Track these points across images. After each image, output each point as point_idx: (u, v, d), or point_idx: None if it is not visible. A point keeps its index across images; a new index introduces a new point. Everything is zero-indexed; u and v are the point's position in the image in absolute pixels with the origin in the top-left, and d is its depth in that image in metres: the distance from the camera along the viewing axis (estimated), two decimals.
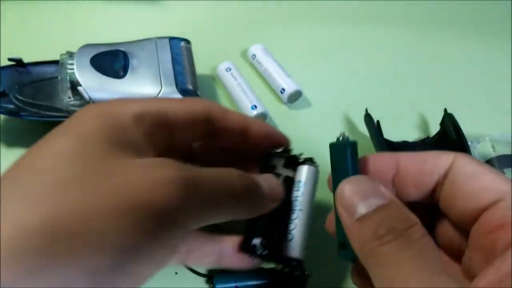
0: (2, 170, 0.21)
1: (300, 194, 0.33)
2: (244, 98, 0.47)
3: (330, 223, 0.27)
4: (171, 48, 0.46)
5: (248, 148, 0.29)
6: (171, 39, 0.47)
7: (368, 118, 0.46)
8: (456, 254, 0.22)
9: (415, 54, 0.58)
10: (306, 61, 0.55)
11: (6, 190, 0.17)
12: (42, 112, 0.42)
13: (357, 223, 0.20)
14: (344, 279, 0.38)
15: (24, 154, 0.20)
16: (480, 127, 0.49)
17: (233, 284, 0.35)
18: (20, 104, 0.42)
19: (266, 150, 0.31)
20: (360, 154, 0.41)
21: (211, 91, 0.51)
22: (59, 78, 0.43)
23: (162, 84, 0.43)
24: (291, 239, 0.32)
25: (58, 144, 0.19)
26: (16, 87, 0.43)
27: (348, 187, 0.21)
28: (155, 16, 0.58)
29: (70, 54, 0.44)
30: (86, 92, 0.41)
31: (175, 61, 0.45)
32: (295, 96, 0.50)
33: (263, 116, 0.47)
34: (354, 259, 0.21)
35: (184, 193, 0.19)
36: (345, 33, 0.59)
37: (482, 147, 0.45)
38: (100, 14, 0.58)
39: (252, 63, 0.54)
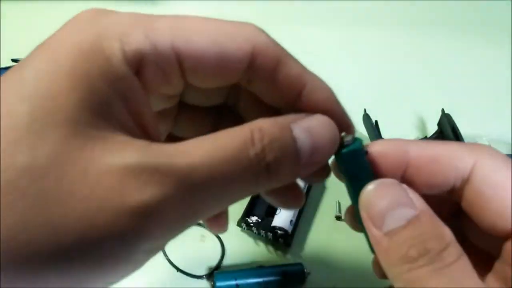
0: None
1: None
2: None
3: (350, 218, 0.23)
4: None
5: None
6: None
7: (366, 118, 0.46)
8: (485, 253, 0.20)
9: (414, 54, 0.58)
10: (305, 62, 0.56)
11: None
12: None
13: (386, 238, 0.17)
14: (344, 279, 0.38)
15: None
16: (477, 127, 0.49)
17: (234, 282, 0.35)
18: None
19: None
20: None
21: None
22: None
23: None
24: (279, 213, 0.39)
25: (19, 86, 0.14)
26: None
27: (374, 194, 0.18)
28: None
29: None
30: None
31: None
32: None
33: None
34: None
35: (163, 197, 0.14)
36: (344, 34, 0.60)
37: None
38: None
39: None
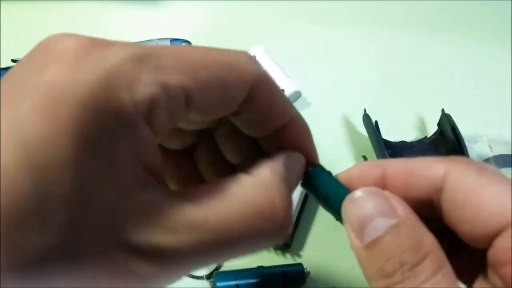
0: None
1: None
2: None
3: None
4: None
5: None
6: (172, 40, 0.48)
7: (366, 118, 0.46)
8: (470, 258, 0.19)
9: (414, 54, 0.58)
10: (305, 62, 0.56)
11: None
12: None
13: (364, 250, 0.17)
14: (344, 279, 0.38)
15: None
16: (477, 126, 0.49)
17: (234, 282, 0.35)
18: None
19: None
20: (360, 153, 0.42)
21: None
22: None
23: None
24: None
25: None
26: None
27: (354, 204, 0.18)
28: (156, 17, 0.59)
29: None
30: None
31: None
32: (295, 97, 0.51)
33: None
34: None
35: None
36: (345, 34, 0.60)
37: (479, 147, 0.46)
38: (102, 16, 0.59)
39: None
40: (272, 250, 0.39)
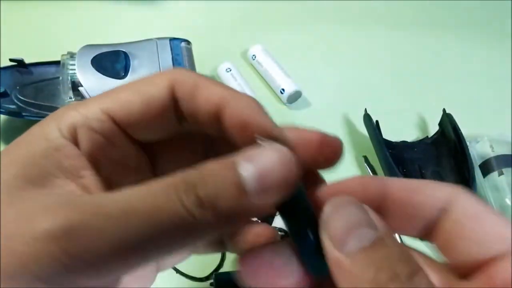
0: None
1: None
2: None
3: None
4: (171, 49, 0.47)
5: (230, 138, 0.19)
6: (172, 39, 0.48)
7: (367, 118, 0.46)
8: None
9: (414, 54, 0.58)
10: (305, 62, 0.56)
11: None
12: (44, 112, 0.42)
13: (348, 259, 0.16)
14: None
15: None
16: (478, 127, 0.49)
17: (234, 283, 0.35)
18: (21, 104, 0.42)
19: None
20: (360, 153, 0.42)
21: None
22: (60, 78, 0.43)
23: None
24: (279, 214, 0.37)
25: None
26: (18, 87, 0.43)
27: (333, 214, 0.17)
28: (155, 17, 0.59)
29: (71, 55, 0.44)
30: (87, 93, 0.41)
31: (175, 61, 0.46)
32: (295, 97, 0.51)
33: None
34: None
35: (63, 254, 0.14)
36: (345, 34, 0.60)
37: (481, 147, 0.46)
38: (101, 15, 0.58)
39: (252, 63, 0.54)
40: None
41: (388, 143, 0.45)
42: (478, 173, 0.45)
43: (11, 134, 0.44)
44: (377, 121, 0.46)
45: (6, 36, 0.54)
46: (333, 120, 0.50)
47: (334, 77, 0.54)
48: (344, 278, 0.16)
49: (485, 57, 0.58)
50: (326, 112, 0.51)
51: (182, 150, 0.22)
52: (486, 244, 0.17)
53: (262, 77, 0.53)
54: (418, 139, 0.48)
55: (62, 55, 0.44)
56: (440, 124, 0.47)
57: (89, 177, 0.18)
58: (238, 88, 0.49)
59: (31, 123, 0.18)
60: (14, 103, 0.42)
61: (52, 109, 0.42)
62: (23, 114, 0.41)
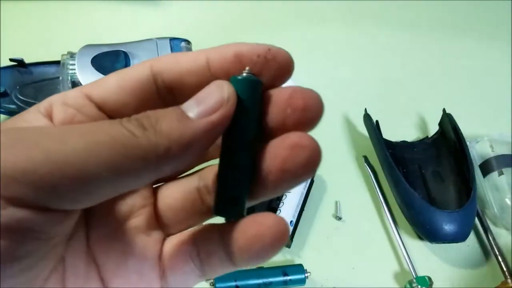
0: None
1: None
2: None
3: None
4: (171, 49, 0.47)
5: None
6: (172, 39, 0.48)
7: (367, 118, 0.46)
8: None
9: (414, 54, 0.58)
10: (305, 62, 0.56)
11: None
12: None
13: None
14: (344, 279, 0.38)
15: None
16: (478, 127, 0.49)
17: (233, 283, 0.35)
18: (21, 104, 0.42)
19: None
20: (361, 153, 0.42)
21: None
22: (60, 78, 0.43)
23: None
24: (279, 213, 0.39)
25: None
26: (18, 87, 0.43)
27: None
28: (155, 16, 0.59)
29: (71, 55, 0.44)
30: None
31: None
32: None
33: None
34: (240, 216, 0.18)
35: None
36: (345, 33, 0.60)
37: (481, 147, 0.46)
38: (101, 15, 0.58)
39: None
40: None
41: (388, 143, 0.45)
42: (478, 173, 0.45)
43: None
44: (377, 121, 0.46)
45: (6, 36, 0.54)
46: (333, 120, 0.50)
47: (334, 77, 0.54)
48: None
49: (485, 57, 0.58)
50: (326, 112, 0.51)
51: None
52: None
53: None
54: (418, 139, 0.48)
55: (62, 55, 0.44)
56: (440, 124, 0.47)
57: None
58: None
59: None
60: (14, 103, 0.42)
61: None
62: None
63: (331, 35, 0.59)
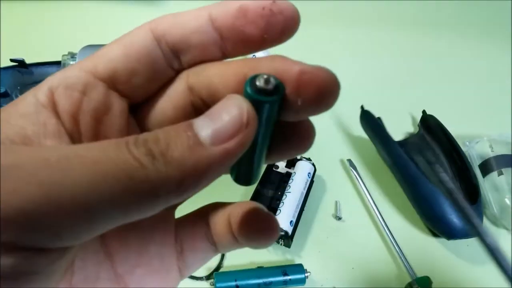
0: None
1: (292, 181, 0.41)
2: None
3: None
4: None
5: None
6: None
7: (366, 115, 0.45)
8: None
9: (414, 54, 0.58)
10: (305, 62, 0.56)
11: None
12: None
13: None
14: (344, 279, 0.38)
15: None
16: (478, 127, 0.49)
17: (233, 283, 0.35)
18: None
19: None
20: (360, 154, 0.41)
21: None
22: None
23: None
24: (279, 214, 0.39)
25: None
26: (18, 87, 0.43)
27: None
28: (155, 16, 0.59)
29: (72, 55, 0.44)
30: None
31: None
32: None
33: None
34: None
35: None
36: (344, 34, 0.60)
37: (480, 147, 0.46)
38: (102, 15, 0.59)
39: None
40: (272, 250, 0.39)
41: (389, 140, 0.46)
42: (477, 173, 0.45)
43: None
44: (379, 118, 0.45)
45: (6, 36, 0.54)
46: (333, 120, 0.50)
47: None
48: None
49: (485, 57, 0.58)
50: (325, 113, 0.51)
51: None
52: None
53: None
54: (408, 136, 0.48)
55: (63, 55, 0.45)
56: (422, 124, 0.48)
57: (66, 134, 0.16)
58: None
59: None
60: None
61: None
62: None
63: (330, 36, 0.59)
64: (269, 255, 0.39)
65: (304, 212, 0.41)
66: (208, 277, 0.37)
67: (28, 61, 0.45)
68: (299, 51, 0.56)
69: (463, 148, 0.47)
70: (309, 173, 0.42)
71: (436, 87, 0.55)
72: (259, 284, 0.36)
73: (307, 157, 0.43)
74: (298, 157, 0.43)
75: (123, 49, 0.17)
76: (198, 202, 0.21)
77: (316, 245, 0.40)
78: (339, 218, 0.41)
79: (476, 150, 0.46)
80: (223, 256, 0.38)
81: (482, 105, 0.53)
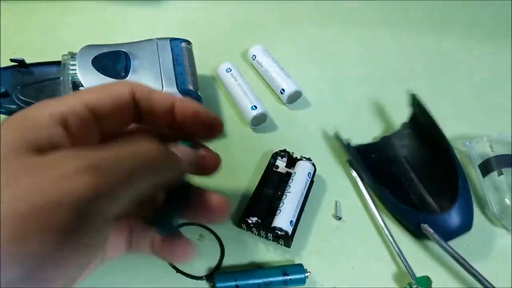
0: None
1: (292, 181, 0.41)
2: (244, 98, 0.48)
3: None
4: (172, 49, 0.47)
5: (180, 130, 0.26)
6: (172, 40, 0.48)
7: (337, 139, 0.45)
8: None
9: (414, 54, 0.58)
10: (306, 62, 0.56)
11: None
12: None
13: None
14: (344, 279, 0.38)
15: None
16: (478, 127, 0.49)
17: (233, 283, 0.35)
18: (22, 105, 0.42)
19: (195, 133, 0.26)
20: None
21: (212, 91, 0.51)
22: (61, 78, 0.43)
23: (163, 84, 0.43)
24: (279, 213, 0.39)
25: None
26: (19, 87, 0.43)
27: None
28: (156, 17, 0.59)
29: (72, 55, 0.44)
30: None
31: (175, 61, 0.46)
32: (295, 97, 0.51)
33: (263, 116, 0.47)
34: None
35: (95, 179, 0.18)
36: (345, 34, 0.60)
37: (480, 147, 0.46)
38: (102, 15, 0.59)
39: (252, 63, 0.54)
40: (272, 250, 0.39)
41: (369, 147, 0.46)
42: (478, 173, 0.45)
43: None
44: (348, 143, 0.45)
45: (6, 36, 0.54)
46: (333, 120, 0.50)
47: (334, 78, 0.54)
48: None
49: (485, 57, 0.58)
50: (325, 112, 0.51)
51: None
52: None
53: (262, 77, 0.53)
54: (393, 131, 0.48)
55: (63, 55, 0.45)
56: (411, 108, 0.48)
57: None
58: (238, 88, 0.49)
59: None
60: (15, 103, 0.42)
61: None
62: None
63: (331, 36, 0.59)
64: (269, 255, 0.39)
65: (304, 212, 0.41)
66: (208, 277, 0.37)
67: (28, 61, 0.45)
68: (304, 51, 0.56)
69: (463, 148, 0.47)
70: (309, 173, 0.42)
71: (436, 87, 0.55)
72: (259, 284, 0.36)
73: (307, 157, 0.43)
74: (299, 156, 0.43)
75: (112, 98, 0.24)
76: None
77: (316, 245, 0.40)
78: (339, 218, 0.41)
79: (476, 150, 0.46)
80: (223, 256, 0.38)
81: (482, 105, 0.53)
